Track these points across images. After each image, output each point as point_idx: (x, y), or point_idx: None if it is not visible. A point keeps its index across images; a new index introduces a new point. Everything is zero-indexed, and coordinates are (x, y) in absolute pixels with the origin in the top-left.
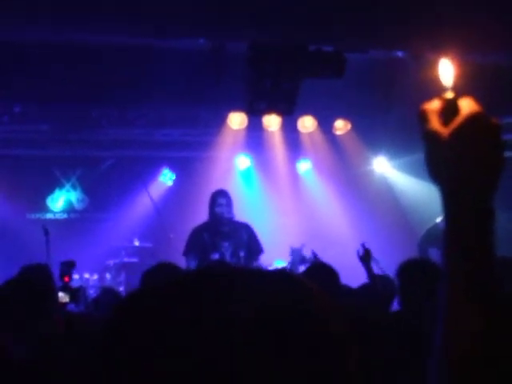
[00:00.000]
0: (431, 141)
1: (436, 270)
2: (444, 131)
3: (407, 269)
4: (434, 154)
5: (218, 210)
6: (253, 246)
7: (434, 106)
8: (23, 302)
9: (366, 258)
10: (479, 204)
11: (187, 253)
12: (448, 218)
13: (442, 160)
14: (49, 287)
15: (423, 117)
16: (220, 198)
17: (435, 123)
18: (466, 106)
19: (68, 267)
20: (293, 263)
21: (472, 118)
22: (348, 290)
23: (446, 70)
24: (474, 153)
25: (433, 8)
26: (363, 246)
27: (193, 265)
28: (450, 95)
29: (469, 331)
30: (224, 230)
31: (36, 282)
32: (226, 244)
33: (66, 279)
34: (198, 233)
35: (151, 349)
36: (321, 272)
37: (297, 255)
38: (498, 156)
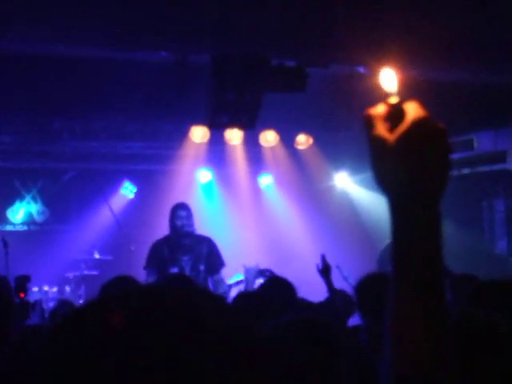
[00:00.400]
0: (377, 147)
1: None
2: (390, 137)
3: (366, 284)
4: (381, 160)
5: (178, 222)
6: (213, 259)
7: (379, 111)
8: None
9: (325, 271)
10: (427, 209)
11: (147, 267)
12: (395, 224)
13: (389, 166)
14: (10, 301)
15: (368, 122)
16: (180, 210)
17: (381, 129)
18: (412, 110)
19: (23, 282)
20: (247, 281)
21: (418, 123)
22: (306, 305)
23: (389, 77)
24: (421, 158)
25: (394, 22)
26: (323, 259)
27: (152, 279)
28: (394, 100)
29: (416, 336)
30: (184, 243)
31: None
32: (185, 258)
33: (22, 295)
34: (158, 247)
35: (85, 366)
36: (277, 286)
37: (251, 273)
38: (445, 160)
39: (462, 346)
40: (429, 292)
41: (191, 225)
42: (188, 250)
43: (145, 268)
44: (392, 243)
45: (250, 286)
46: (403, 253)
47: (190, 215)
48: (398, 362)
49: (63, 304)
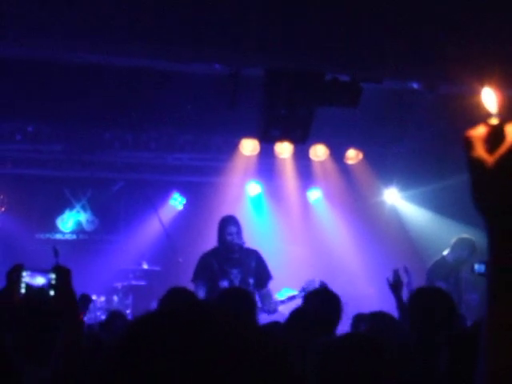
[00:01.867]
0: (476, 168)
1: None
2: (489, 159)
3: (419, 297)
4: (479, 182)
5: (228, 238)
6: (261, 272)
7: (479, 132)
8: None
9: (396, 286)
10: None
11: (195, 279)
12: (495, 248)
13: (489, 189)
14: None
15: (468, 143)
16: (230, 226)
17: (480, 150)
18: None
19: (84, 302)
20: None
21: None
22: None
23: (490, 97)
24: None
25: (450, 40)
26: (395, 273)
27: (202, 291)
28: (494, 121)
29: None
30: (233, 257)
31: None
32: (235, 271)
33: (81, 315)
34: (207, 259)
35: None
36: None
37: (311, 286)
38: None
39: None
40: None
41: (240, 238)
42: (237, 263)
43: (193, 280)
44: (490, 266)
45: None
46: (505, 277)
47: (239, 230)
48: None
49: (115, 316)
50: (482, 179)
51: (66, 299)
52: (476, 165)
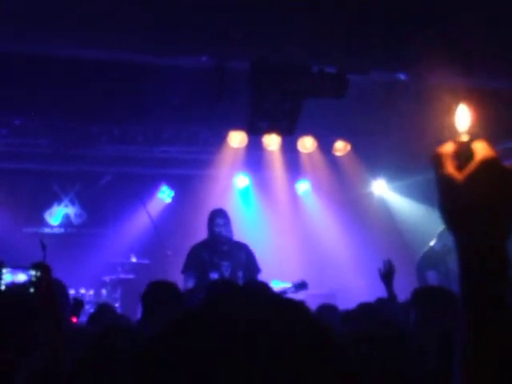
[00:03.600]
0: (445, 186)
1: (451, 297)
2: (458, 176)
3: (422, 296)
4: (449, 199)
5: (216, 229)
6: (250, 265)
7: (447, 149)
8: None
9: (388, 276)
10: (496, 249)
11: (185, 270)
12: (464, 263)
13: (457, 205)
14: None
15: (437, 161)
16: (218, 218)
17: (449, 168)
18: (481, 149)
19: (77, 306)
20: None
21: (486, 164)
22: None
23: (463, 115)
24: (488, 200)
25: (435, 30)
26: (387, 263)
27: (191, 283)
28: (464, 138)
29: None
30: (223, 249)
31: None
32: (225, 263)
33: (75, 319)
34: (197, 251)
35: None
36: None
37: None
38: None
39: None
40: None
41: (229, 231)
42: (227, 255)
43: (183, 272)
44: (460, 281)
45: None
46: (473, 291)
47: (227, 222)
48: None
49: (104, 309)
50: (450, 196)
51: (44, 296)
52: (445, 182)
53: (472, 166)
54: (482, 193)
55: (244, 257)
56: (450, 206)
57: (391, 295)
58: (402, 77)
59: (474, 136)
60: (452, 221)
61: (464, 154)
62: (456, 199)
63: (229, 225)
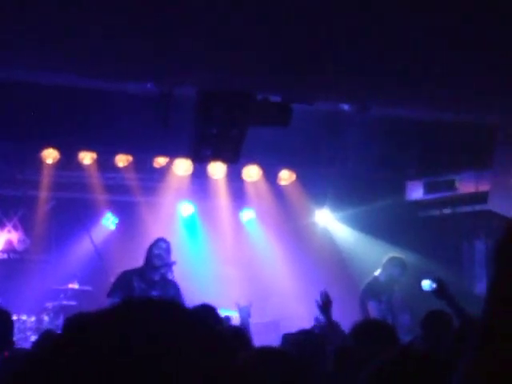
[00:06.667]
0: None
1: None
2: None
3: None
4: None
5: (156, 251)
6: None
7: None
8: None
9: (325, 307)
10: None
11: (111, 294)
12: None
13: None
14: None
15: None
16: (159, 242)
17: None
18: None
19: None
20: (242, 320)
21: None
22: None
23: None
24: None
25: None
26: (323, 294)
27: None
28: None
29: None
30: (154, 278)
31: None
32: (154, 293)
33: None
34: (128, 276)
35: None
36: None
37: (244, 312)
38: None
39: None
40: None
41: (168, 255)
42: (157, 286)
43: (108, 295)
44: None
45: (246, 324)
46: None
47: (168, 248)
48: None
49: (47, 335)
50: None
51: None
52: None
53: None
54: None
55: (172, 293)
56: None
57: (330, 324)
58: (346, 107)
59: None
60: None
61: None
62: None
63: (169, 250)
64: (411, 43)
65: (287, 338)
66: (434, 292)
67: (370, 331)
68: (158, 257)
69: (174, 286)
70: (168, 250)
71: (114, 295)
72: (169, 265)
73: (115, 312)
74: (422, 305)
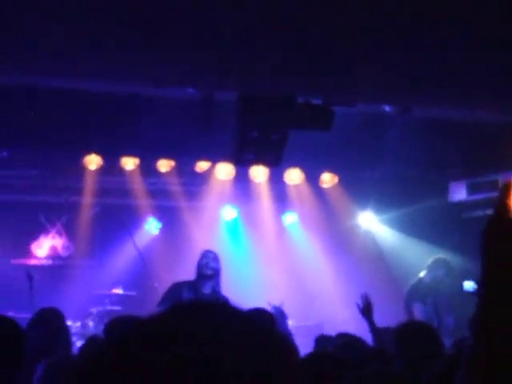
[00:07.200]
0: (498, 213)
1: (432, 333)
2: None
3: (405, 331)
4: (495, 225)
5: (204, 261)
6: None
7: None
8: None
9: (367, 310)
10: None
11: (161, 304)
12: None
13: (499, 235)
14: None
15: (504, 189)
16: (207, 252)
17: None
18: None
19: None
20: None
21: None
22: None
23: None
24: None
25: (420, 63)
26: (364, 297)
27: None
28: None
29: None
30: (205, 291)
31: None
32: None
33: None
34: (178, 288)
35: None
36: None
37: (278, 312)
38: None
39: None
40: None
41: (217, 264)
42: (207, 298)
43: (158, 305)
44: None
45: (279, 324)
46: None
47: (216, 257)
48: None
49: (93, 341)
50: (500, 225)
51: None
52: (499, 211)
53: None
54: None
55: None
56: (494, 233)
57: (373, 328)
58: (388, 109)
59: None
60: (489, 244)
61: None
62: (503, 231)
63: (217, 259)
64: (454, 44)
65: (321, 341)
66: (476, 293)
67: (414, 333)
68: (207, 266)
69: (225, 300)
70: (216, 259)
71: (162, 305)
72: (218, 273)
73: (176, 316)
74: (466, 306)
